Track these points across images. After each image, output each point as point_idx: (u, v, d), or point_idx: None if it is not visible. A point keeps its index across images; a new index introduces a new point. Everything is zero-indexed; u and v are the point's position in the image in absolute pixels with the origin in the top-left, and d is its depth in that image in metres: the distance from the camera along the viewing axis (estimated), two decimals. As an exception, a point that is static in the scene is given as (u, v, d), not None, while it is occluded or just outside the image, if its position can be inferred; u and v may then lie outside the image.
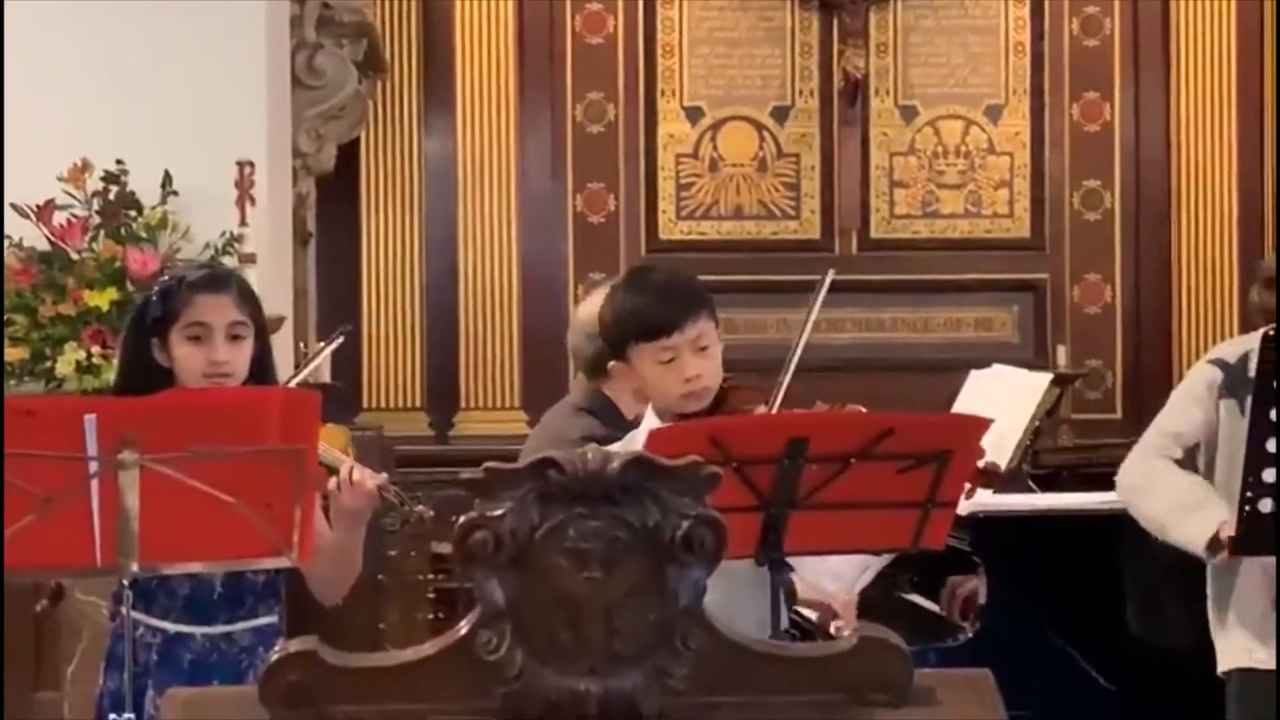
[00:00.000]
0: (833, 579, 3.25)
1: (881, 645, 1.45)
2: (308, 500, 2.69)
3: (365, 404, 7.90)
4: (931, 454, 2.81)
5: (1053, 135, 8.36)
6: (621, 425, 3.60)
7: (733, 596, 2.93)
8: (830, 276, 3.36)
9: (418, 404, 8.04)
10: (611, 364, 3.10)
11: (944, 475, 2.84)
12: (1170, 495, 2.96)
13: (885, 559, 3.58)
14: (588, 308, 3.82)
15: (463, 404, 8.05)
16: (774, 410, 3.06)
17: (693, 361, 2.95)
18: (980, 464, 3.10)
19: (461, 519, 1.46)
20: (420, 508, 2.95)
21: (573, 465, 1.46)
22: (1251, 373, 2.95)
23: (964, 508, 3.71)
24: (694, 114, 8.42)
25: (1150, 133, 8.29)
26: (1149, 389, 7.72)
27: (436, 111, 8.14)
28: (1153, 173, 8.30)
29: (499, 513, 1.46)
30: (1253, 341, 3.02)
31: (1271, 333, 2.70)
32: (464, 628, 1.48)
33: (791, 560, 3.17)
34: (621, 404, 3.79)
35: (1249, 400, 2.92)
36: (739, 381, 3.15)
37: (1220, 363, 3.09)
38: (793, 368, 3.17)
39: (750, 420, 2.94)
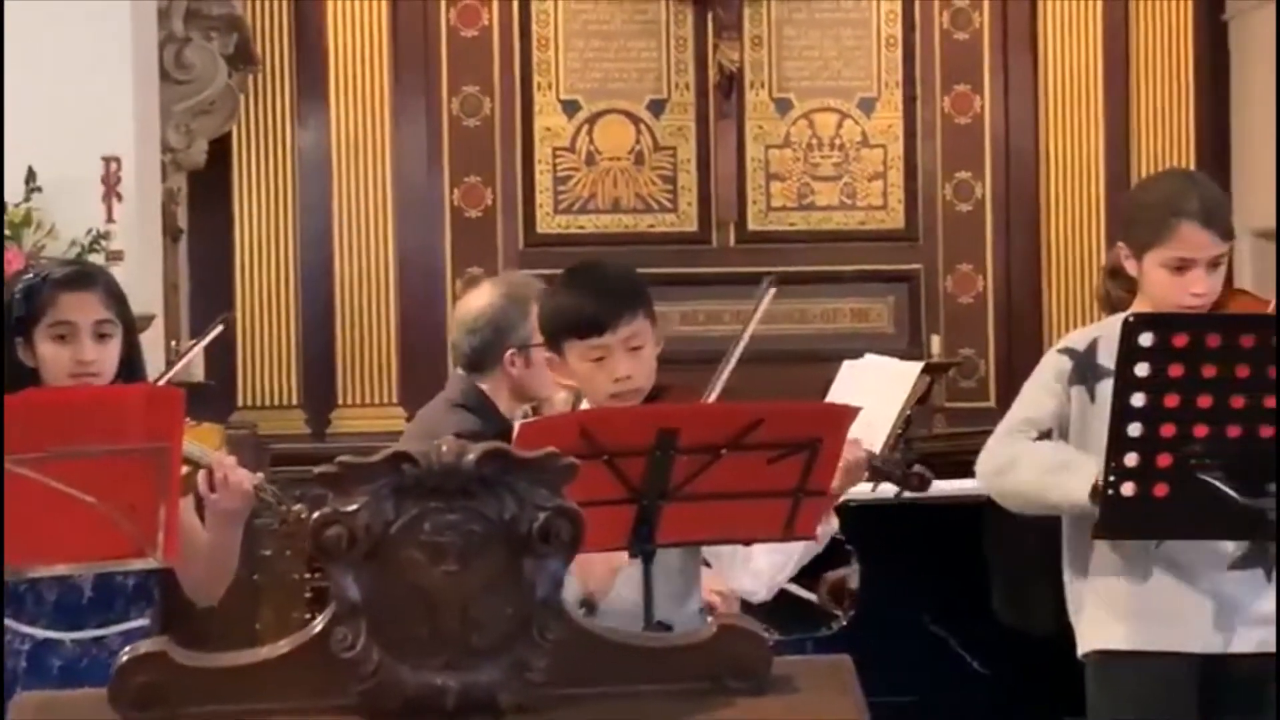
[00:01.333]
0: (753, 579, 3.26)
1: (741, 634, 1.46)
2: (172, 499, 2.65)
3: (240, 402, 7.81)
4: (801, 443, 2.83)
5: (925, 127, 8.46)
6: (498, 422, 3.60)
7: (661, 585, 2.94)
8: (771, 289, 3.37)
9: (294, 401, 7.96)
10: (546, 355, 3.09)
11: (814, 464, 2.86)
12: (1039, 461, 2.99)
13: (807, 555, 3.60)
14: (471, 302, 3.81)
15: (340, 400, 7.99)
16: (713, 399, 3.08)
17: (623, 361, 2.95)
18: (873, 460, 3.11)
19: (315, 515, 1.45)
20: (298, 507, 2.92)
21: (428, 459, 1.45)
22: (1099, 360, 2.99)
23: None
24: (570, 107, 8.41)
25: (1019, 124, 8.42)
26: (1021, 376, 7.71)
27: (310, 105, 8.06)
28: (1022, 164, 8.43)
29: (353, 508, 1.45)
30: (1101, 329, 3.06)
31: (1131, 319, 2.74)
32: (318, 625, 1.47)
33: (710, 558, 3.19)
34: (499, 400, 3.79)
35: (1098, 386, 2.97)
36: (674, 381, 3.16)
37: (1070, 351, 3.13)
38: (728, 369, 3.19)
39: (620, 412, 2.94)
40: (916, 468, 3.16)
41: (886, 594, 3.89)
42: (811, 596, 4.11)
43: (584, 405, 3.05)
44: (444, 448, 1.44)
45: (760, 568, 3.13)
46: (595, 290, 3.00)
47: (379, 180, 8.07)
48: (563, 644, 1.45)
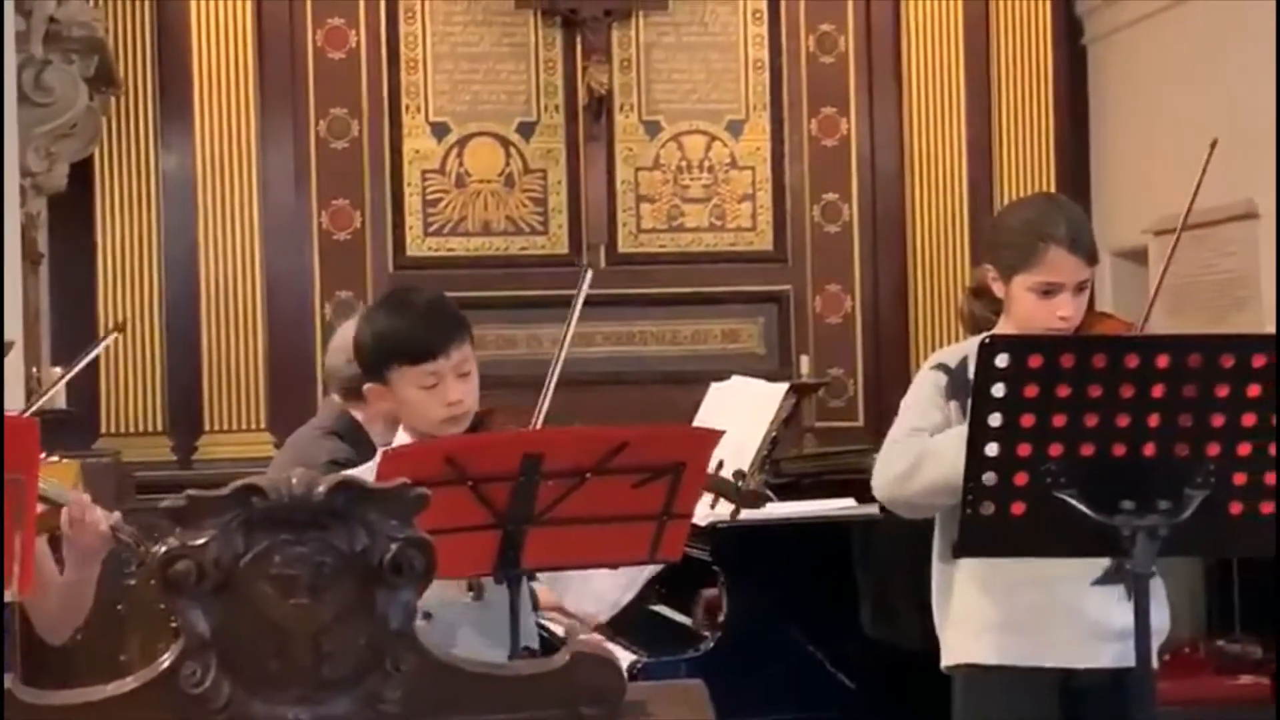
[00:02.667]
0: (595, 601, 3.26)
1: (594, 660, 1.46)
2: (27, 532, 2.60)
3: (103, 429, 7.67)
4: (665, 466, 2.85)
5: (792, 150, 8.54)
6: (369, 449, 3.57)
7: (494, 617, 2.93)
8: (589, 276, 3.38)
9: (159, 428, 7.83)
10: (367, 386, 3.06)
11: (678, 487, 2.88)
12: (946, 448, 2.99)
13: (648, 574, 3.61)
14: (348, 329, 3.78)
15: (206, 427, 7.87)
16: (540, 413, 3.08)
17: (455, 386, 2.95)
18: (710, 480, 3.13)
19: (163, 549, 1.43)
20: (156, 547, 2.86)
21: (277, 491, 1.43)
22: (970, 376, 3.03)
23: (704, 518, 3.77)
24: (440, 130, 8.38)
25: (885, 147, 8.52)
26: (888, 396, 7.90)
27: (174, 128, 7.94)
28: (888, 185, 8.53)
29: (202, 541, 1.43)
30: (969, 347, 3.10)
31: (987, 341, 2.78)
32: (166, 660, 1.45)
33: (547, 579, 3.19)
34: (371, 428, 3.76)
35: (969, 403, 3.00)
36: (496, 404, 3.16)
37: (943, 367, 3.17)
38: (552, 386, 3.19)
39: (485, 438, 2.95)
40: (752, 485, 3.19)
41: (757, 613, 3.92)
42: (683, 619, 4.12)
43: (400, 436, 3.03)
44: (294, 479, 1.43)
45: (601, 590, 3.14)
46: (426, 316, 3.00)
47: (245, 203, 7.98)
48: (416, 674, 1.45)
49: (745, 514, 4.00)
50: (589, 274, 3.37)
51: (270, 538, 1.44)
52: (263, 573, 1.45)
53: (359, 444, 3.74)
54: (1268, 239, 7.34)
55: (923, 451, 3.04)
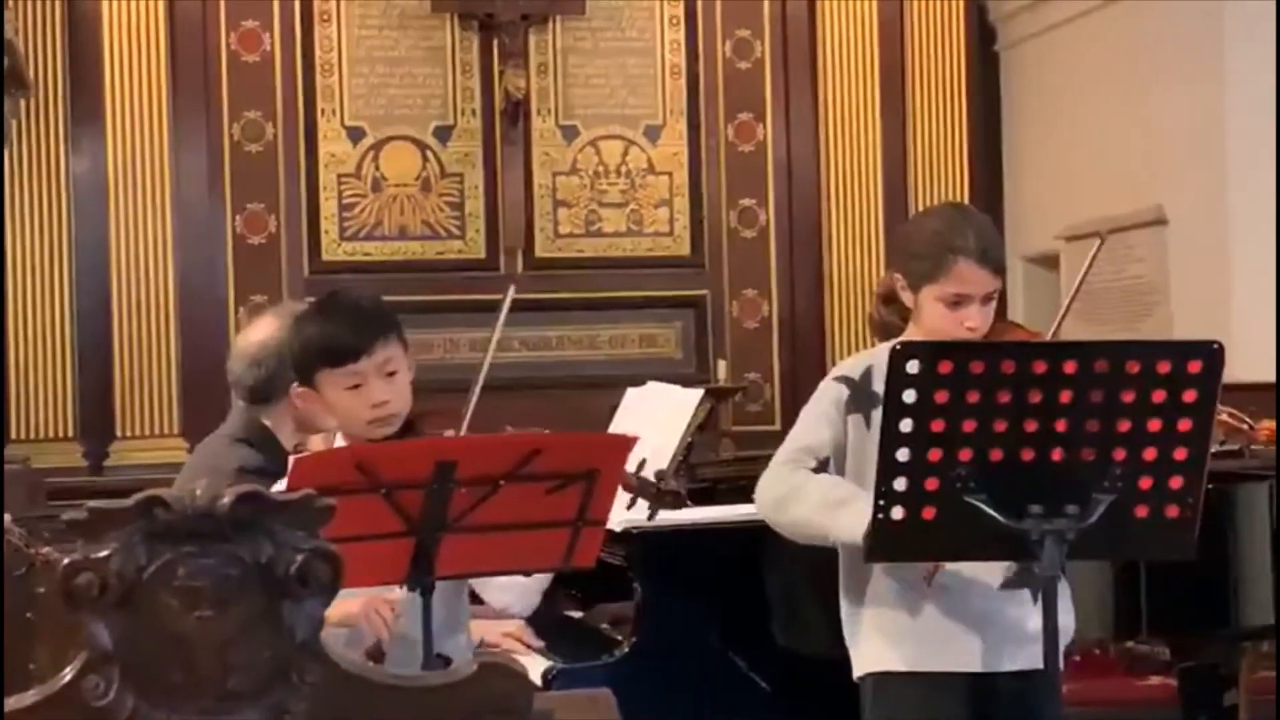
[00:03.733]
0: (512, 595, 3.25)
1: (502, 670, 1.46)
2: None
3: (13, 435, 7.57)
4: (579, 473, 2.84)
5: (709, 155, 8.57)
6: (280, 456, 3.54)
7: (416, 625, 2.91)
8: (511, 293, 3.38)
9: (70, 434, 7.74)
10: (297, 390, 3.04)
11: (592, 493, 2.87)
12: (818, 495, 3.02)
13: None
14: (252, 334, 3.74)
15: (118, 433, 7.79)
16: (465, 425, 3.07)
17: (380, 387, 2.93)
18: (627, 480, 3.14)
19: (65, 561, 1.41)
20: (47, 549, 2.83)
21: (181, 503, 1.42)
22: (874, 386, 3.05)
23: (619, 523, 3.77)
24: (355, 133, 8.34)
25: (801, 152, 8.57)
26: (805, 400, 7.91)
27: (85, 131, 7.86)
28: (804, 190, 8.58)
29: (104, 554, 1.42)
30: (873, 356, 3.12)
31: (898, 347, 2.80)
32: (69, 674, 1.43)
33: (475, 583, 3.17)
34: (281, 434, 3.73)
35: (873, 414, 3.02)
36: (429, 407, 3.14)
37: (846, 379, 3.18)
38: (478, 390, 3.18)
39: (397, 446, 2.93)
40: (671, 485, 3.20)
41: (673, 618, 3.91)
42: (600, 625, 4.12)
43: (338, 440, 3.02)
44: (198, 491, 1.42)
45: (519, 584, 3.13)
46: (346, 317, 2.99)
47: (158, 207, 7.90)
48: (322, 686, 1.44)
49: (661, 518, 4.00)
50: (512, 288, 3.36)
51: (174, 550, 1.43)
52: (166, 585, 1.43)
53: (269, 450, 3.71)
54: (1176, 245, 7.45)
55: (796, 488, 3.07)
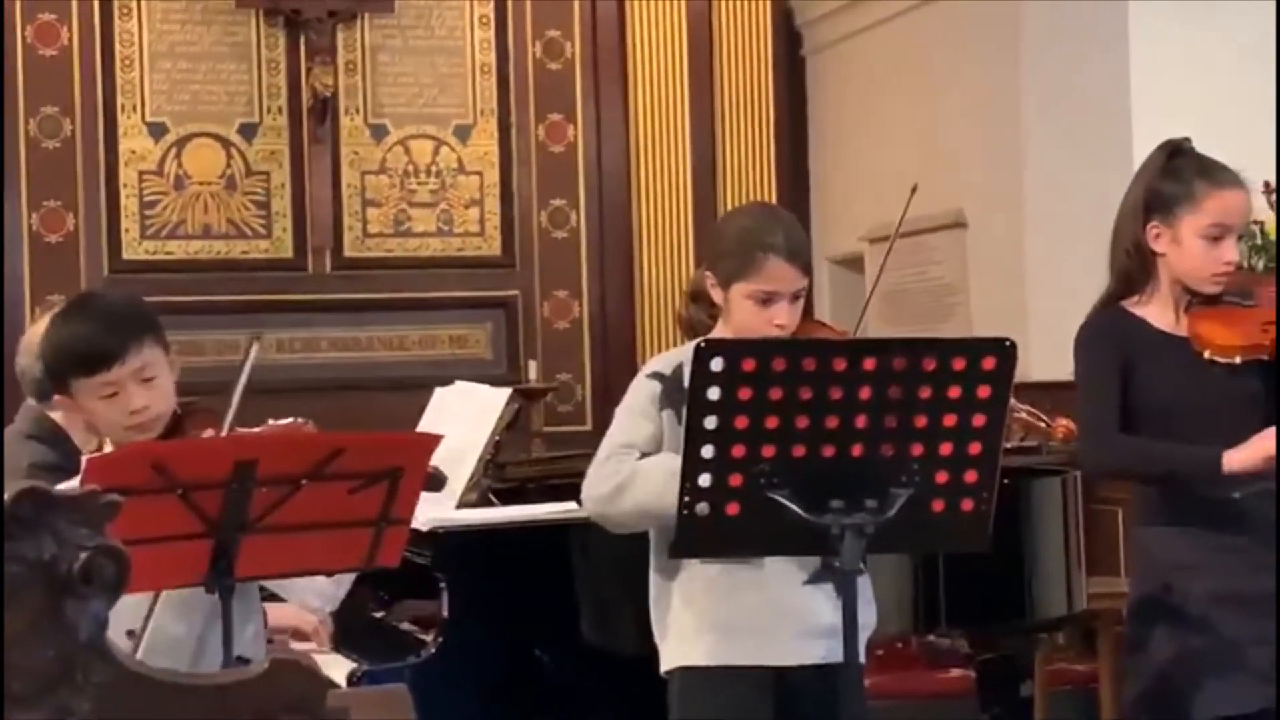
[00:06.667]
0: (317, 596, 3.20)
1: (293, 668, 1.44)
2: None
3: None
4: (382, 472, 2.82)
5: (520, 155, 8.56)
6: (73, 453, 3.47)
7: (206, 625, 2.86)
8: (255, 349, 3.28)
9: None
10: (56, 397, 2.96)
11: (395, 493, 2.85)
12: (655, 472, 3.03)
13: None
14: (37, 329, 3.65)
15: (-92, 435, 7.52)
16: (224, 433, 2.99)
17: (138, 393, 2.84)
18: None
19: None
20: None
21: (-42, 500, 1.38)
22: (686, 383, 3.07)
23: (425, 523, 3.74)
24: (157, 130, 8.17)
25: (611, 153, 8.61)
26: (616, 400, 7.92)
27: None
28: (615, 191, 8.62)
29: (-123, 553, 1.37)
30: (684, 354, 3.14)
31: (702, 345, 2.82)
32: None
33: (274, 583, 3.12)
34: (74, 432, 3.65)
35: (684, 410, 3.04)
36: (194, 405, 3.07)
37: (658, 375, 3.20)
38: (240, 391, 3.11)
39: (196, 444, 2.87)
40: (475, 489, 3.19)
41: (479, 618, 3.90)
42: (406, 625, 4.09)
43: (108, 445, 2.94)
44: (-21, 488, 1.38)
45: (324, 588, 3.10)
46: (98, 322, 2.87)
47: (-51, 205, 7.67)
48: (108, 687, 1.40)
49: (467, 518, 3.99)
50: (255, 347, 3.27)
51: (-48, 548, 1.39)
52: (-57, 585, 1.39)
53: (61, 448, 3.64)
54: (976, 248, 7.63)
55: (632, 473, 3.08)
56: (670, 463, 3.01)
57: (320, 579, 3.09)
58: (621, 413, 3.23)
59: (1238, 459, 3.18)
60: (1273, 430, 3.19)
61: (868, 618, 3.19)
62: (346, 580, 3.13)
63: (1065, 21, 7.00)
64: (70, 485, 2.50)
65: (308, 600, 3.20)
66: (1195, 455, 3.23)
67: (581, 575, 3.92)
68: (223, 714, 1.41)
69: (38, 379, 3.59)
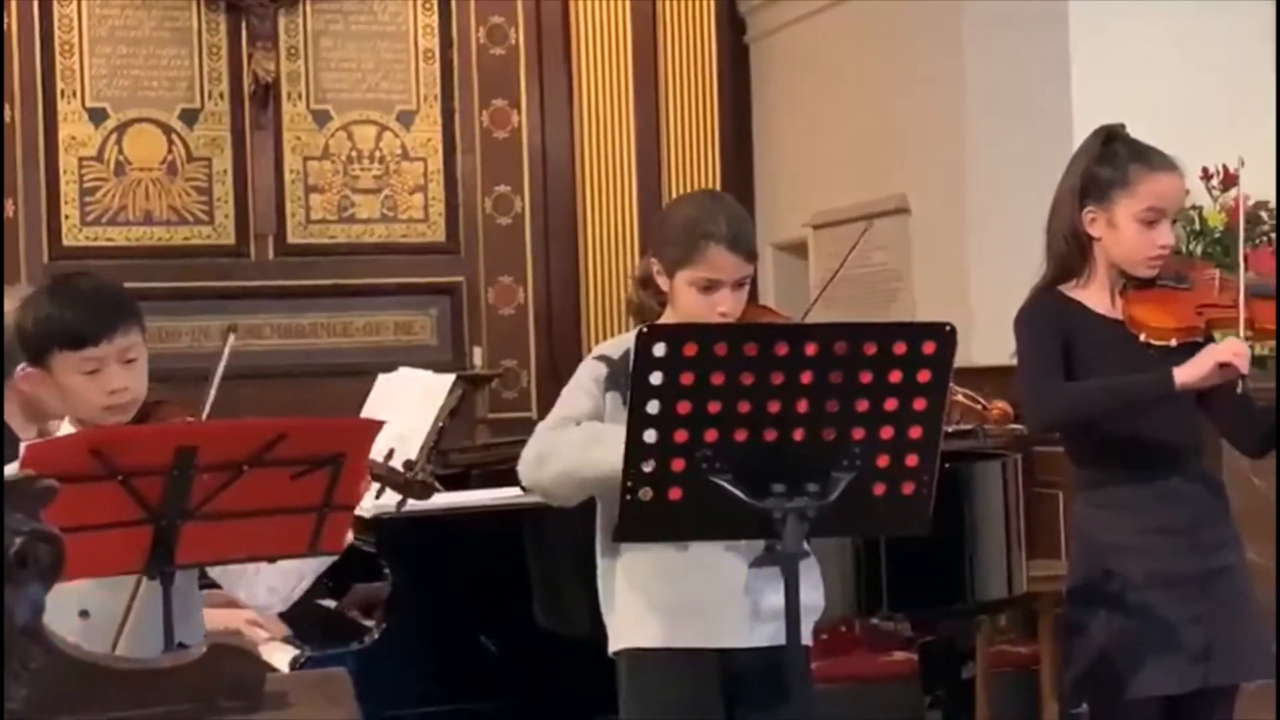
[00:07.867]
0: (268, 593, 3.19)
1: (233, 652, 1.43)
2: None
3: None
4: (325, 458, 2.81)
5: (464, 141, 8.54)
6: (11, 442, 3.43)
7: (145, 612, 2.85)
8: (231, 338, 3.31)
9: None
10: (25, 370, 2.95)
11: (338, 479, 2.84)
12: (574, 441, 3.05)
13: (321, 566, 3.56)
14: None
15: None
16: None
17: (119, 373, 2.88)
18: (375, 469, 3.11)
19: None
20: None
21: (-108, 485, 1.37)
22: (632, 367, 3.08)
23: (369, 509, 3.74)
24: (97, 115, 8.11)
25: (556, 140, 8.60)
26: (562, 387, 7.95)
27: None
28: (559, 177, 8.61)
29: None
30: (632, 339, 3.16)
31: (644, 330, 2.82)
32: None
33: (218, 575, 3.10)
34: (12, 421, 3.61)
35: (629, 394, 3.05)
36: (163, 397, 3.07)
37: (605, 358, 3.21)
38: (216, 385, 3.12)
39: (135, 431, 2.86)
40: (420, 475, 3.19)
41: (423, 604, 3.90)
42: (351, 612, 4.09)
43: (65, 427, 2.94)
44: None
45: (274, 583, 3.09)
46: (89, 301, 2.93)
47: (-114, 191, 7.58)
48: (45, 672, 1.39)
49: (412, 504, 3.98)
50: (231, 338, 3.31)
51: (-115, 534, 1.37)
52: (-123, 571, 1.37)
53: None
54: (919, 233, 7.67)
55: (554, 441, 3.09)
56: (592, 429, 3.03)
57: (275, 578, 3.09)
58: (566, 391, 3.24)
59: (1189, 372, 3.22)
60: (1214, 344, 3.24)
61: (816, 600, 3.20)
62: (304, 580, 3.13)
63: (1007, 9, 7.04)
64: (10, 470, 2.50)
65: (257, 595, 3.19)
66: (1144, 380, 3.27)
67: (532, 558, 3.93)
68: (163, 698, 1.40)
69: None
